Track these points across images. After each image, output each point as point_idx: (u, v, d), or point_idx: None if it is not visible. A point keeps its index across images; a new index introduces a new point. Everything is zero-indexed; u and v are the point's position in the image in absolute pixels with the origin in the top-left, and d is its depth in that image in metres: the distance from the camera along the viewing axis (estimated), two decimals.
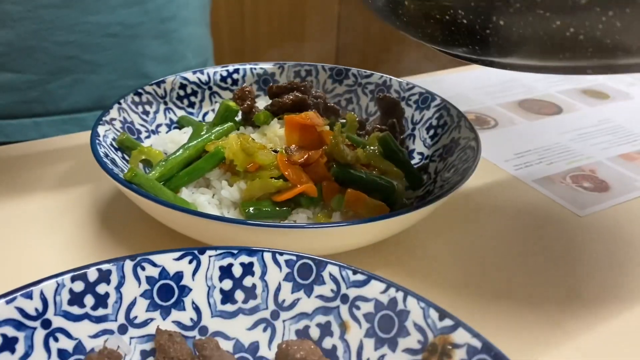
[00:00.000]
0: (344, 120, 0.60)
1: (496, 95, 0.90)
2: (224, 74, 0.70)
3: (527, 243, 0.56)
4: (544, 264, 0.53)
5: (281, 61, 0.72)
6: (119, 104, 0.60)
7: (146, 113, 0.63)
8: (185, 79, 0.68)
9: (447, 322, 0.34)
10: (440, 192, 0.48)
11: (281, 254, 0.39)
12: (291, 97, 0.57)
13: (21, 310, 0.34)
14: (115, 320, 0.37)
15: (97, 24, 0.80)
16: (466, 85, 0.93)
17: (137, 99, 0.62)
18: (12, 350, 0.34)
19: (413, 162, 0.62)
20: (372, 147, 0.56)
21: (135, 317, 0.37)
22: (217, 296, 0.38)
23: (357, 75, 0.71)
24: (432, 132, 0.63)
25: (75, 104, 0.84)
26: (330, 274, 0.38)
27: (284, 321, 0.38)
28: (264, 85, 0.70)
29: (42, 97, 0.82)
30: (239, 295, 0.38)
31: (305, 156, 0.50)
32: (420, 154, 0.63)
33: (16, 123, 0.82)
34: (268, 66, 0.71)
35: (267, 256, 0.39)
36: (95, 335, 0.36)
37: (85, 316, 0.36)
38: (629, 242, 0.57)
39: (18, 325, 0.34)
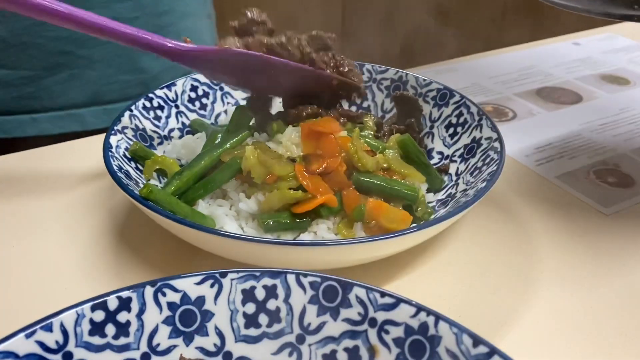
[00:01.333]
0: (361, 124, 0.58)
1: (513, 84, 0.88)
2: None
3: (553, 244, 0.54)
4: (574, 268, 0.52)
5: None
6: (130, 110, 0.58)
7: (158, 118, 0.61)
8: (197, 80, 0.66)
9: (482, 348, 0.33)
10: (466, 200, 0.47)
11: (305, 275, 0.38)
12: (308, 111, 0.55)
13: (42, 344, 0.33)
14: (138, 348, 0.36)
15: None
16: (481, 73, 0.91)
17: (147, 104, 0.61)
18: None
19: (432, 161, 0.60)
20: (391, 151, 0.54)
21: (158, 345, 0.36)
22: (241, 320, 0.37)
23: (371, 70, 0.69)
24: (451, 130, 0.62)
25: (72, 100, 0.84)
26: (357, 297, 0.37)
27: (309, 345, 0.37)
28: None
29: (38, 93, 0.81)
30: (263, 319, 0.37)
31: (323, 165, 0.49)
32: (440, 153, 0.62)
33: (13, 119, 0.82)
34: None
35: (291, 278, 0.38)
36: None
37: (107, 346, 0.35)
38: None
39: None
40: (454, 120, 0.62)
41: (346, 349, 0.37)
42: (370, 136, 0.55)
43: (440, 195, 0.56)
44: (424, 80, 0.66)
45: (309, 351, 0.37)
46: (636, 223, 0.58)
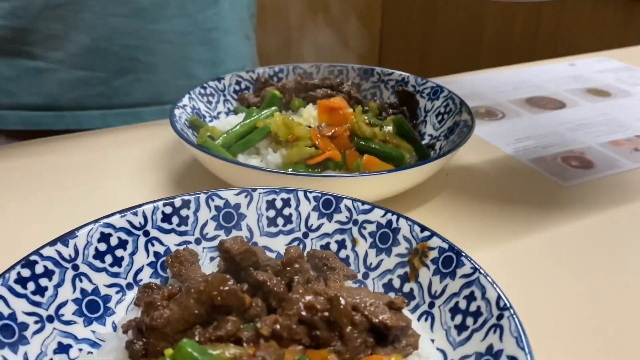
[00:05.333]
0: (367, 108, 0.74)
1: (507, 94, 1.03)
2: (271, 73, 0.85)
3: (511, 199, 0.69)
4: (521, 210, 0.66)
5: (317, 63, 0.87)
6: (189, 94, 0.76)
7: (210, 102, 0.79)
8: (240, 76, 0.84)
9: (426, 233, 0.48)
10: (440, 153, 0.62)
11: (310, 192, 0.53)
12: (321, 93, 0.72)
13: (130, 222, 0.50)
14: (193, 234, 0.52)
15: (156, 31, 0.95)
16: (481, 85, 1.06)
17: (202, 91, 0.79)
18: (124, 249, 0.49)
19: (424, 142, 0.76)
20: (388, 127, 0.70)
21: (207, 234, 0.52)
22: (264, 221, 0.53)
23: (380, 73, 0.85)
24: (440, 117, 0.77)
25: (135, 100, 0.99)
26: (346, 206, 0.52)
27: (312, 239, 0.53)
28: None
29: (108, 92, 0.97)
30: (280, 220, 0.53)
31: (332, 130, 0.65)
32: (430, 135, 0.77)
33: (86, 114, 0.97)
34: (306, 66, 0.86)
35: (301, 194, 0.53)
36: (179, 244, 0.51)
37: (173, 230, 0.52)
38: (603, 204, 0.69)
39: (128, 232, 0.50)
40: (442, 110, 0.77)
41: (336, 241, 0.52)
42: (371, 116, 0.71)
43: None
44: (422, 80, 0.82)
45: (311, 243, 0.53)
46: (586, 193, 0.71)
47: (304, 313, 0.34)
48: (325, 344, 0.35)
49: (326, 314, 0.34)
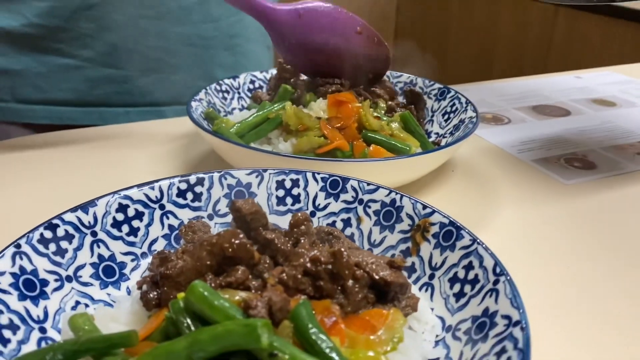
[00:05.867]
0: (376, 103, 0.77)
1: (513, 102, 1.05)
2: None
3: (514, 195, 0.70)
4: (522, 205, 0.67)
5: None
6: (206, 90, 0.79)
7: (225, 98, 0.82)
8: (254, 76, 0.87)
9: (428, 209, 0.50)
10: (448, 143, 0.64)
11: (318, 173, 0.56)
12: (333, 88, 0.75)
13: (147, 196, 0.52)
14: (206, 210, 0.55)
15: (181, 34, 1.00)
16: (487, 93, 1.09)
17: (218, 87, 0.82)
18: (141, 220, 0.52)
19: (430, 140, 0.78)
20: (395, 123, 0.73)
21: (219, 210, 0.55)
22: (274, 200, 0.56)
23: (389, 75, 0.88)
24: (446, 117, 0.80)
25: (158, 99, 1.03)
26: (352, 186, 0.54)
27: (319, 218, 0.55)
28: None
29: (132, 90, 1.00)
30: (289, 200, 0.55)
31: (341, 122, 0.68)
32: (437, 133, 0.79)
33: (112, 111, 1.01)
34: None
35: (309, 175, 0.56)
36: (193, 218, 0.54)
37: (187, 205, 0.54)
38: (604, 200, 0.70)
39: (145, 205, 0.52)
40: (448, 109, 0.80)
41: (342, 219, 0.54)
42: (379, 111, 0.74)
43: None
44: (429, 81, 0.85)
45: (318, 222, 0.55)
46: (587, 190, 0.73)
47: (309, 265, 0.36)
48: (329, 297, 0.37)
49: (329, 266, 0.37)
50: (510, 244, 0.62)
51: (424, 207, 0.50)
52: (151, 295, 0.38)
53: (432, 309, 0.45)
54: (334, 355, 0.32)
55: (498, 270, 0.42)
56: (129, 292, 0.48)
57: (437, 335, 0.43)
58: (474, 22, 2.73)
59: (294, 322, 0.33)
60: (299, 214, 0.43)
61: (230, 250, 0.37)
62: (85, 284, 0.47)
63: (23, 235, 0.44)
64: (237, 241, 0.37)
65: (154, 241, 0.52)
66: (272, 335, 0.31)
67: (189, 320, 0.34)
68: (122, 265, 0.50)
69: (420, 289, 0.47)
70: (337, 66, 0.76)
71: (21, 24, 0.90)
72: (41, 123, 0.97)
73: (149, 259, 0.50)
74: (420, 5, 2.96)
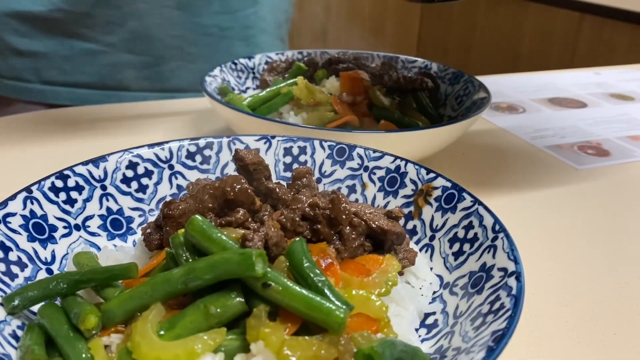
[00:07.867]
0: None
1: (530, 94, 1.05)
2: (299, 56, 0.90)
3: (526, 179, 0.70)
4: (534, 188, 0.67)
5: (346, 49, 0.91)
6: (221, 67, 0.80)
7: (239, 77, 0.83)
8: (270, 57, 0.88)
9: (432, 175, 0.50)
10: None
11: (326, 141, 0.57)
12: (344, 66, 0.76)
13: (157, 156, 0.54)
14: (214, 173, 0.56)
15: (200, 24, 1.02)
16: (505, 85, 1.08)
17: (233, 66, 0.83)
18: (150, 178, 0.53)
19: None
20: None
21: (227, 174, 0.56)
22: (281, 166, 0.56)
23: (404, 61, 0.89)
24: (459, 100, 0.80)
25: (175, 85, 1.05)
26: (358, 153, 0.55)
27: (324, 184, 0.56)
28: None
29: (152, 76, 1.03)
30: (296, 167, 0.56)
31: (352, 98, 0.68)
32: (449, 116, 0.80)
33: (130, 95, 1.04)
34: (333, 52, 0.90)
35: (316, 142, 0.57)
36: None
37: (195, 167, 0.55)
38: (615, 184, 0.70)
39: (154, 164, 0.53)
40: (461, 93, 0.80)
41: (347, 186, 0.55)
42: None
43: None
44: (444, 67, 0.85)
45: (323, 187, 0.55)
46: (599, 175, 0.73)
47: (307, 209, 0.37)
48: (326, 242, 0.38)
49: (328, 212, 0.37)
50: (516, 223, 0.62)
51: (428, 172, 0.51)
52: (153, 236, 0.39)
53: (432, 269, 0.46)
54: (325, 289, 0.32)
55: (497, 227, 0.42)
56: (134, 245, 0.49)
57: (434, 292, 0.43)
58: (498, 32, 2.72)
59: (288, 258, 0.33)
60: (301, 167, 0.44)
61: (231, 193, 0.38)
62: (92, 234, 0.48)
63: (35, 182, 0.45)
64: (238, 185, 0.38)
65: (162, 199, 0.53)
66: (266, 266, 0.32)
67: (188, 254, 0.35)
68: (130, 219, 0.51)
69: (420, 250, 0.48)
70: None
71: (49, 9, 0.93)
72: (63, 104, 1.00)
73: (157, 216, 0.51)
74: (443, 21, 2.96)
